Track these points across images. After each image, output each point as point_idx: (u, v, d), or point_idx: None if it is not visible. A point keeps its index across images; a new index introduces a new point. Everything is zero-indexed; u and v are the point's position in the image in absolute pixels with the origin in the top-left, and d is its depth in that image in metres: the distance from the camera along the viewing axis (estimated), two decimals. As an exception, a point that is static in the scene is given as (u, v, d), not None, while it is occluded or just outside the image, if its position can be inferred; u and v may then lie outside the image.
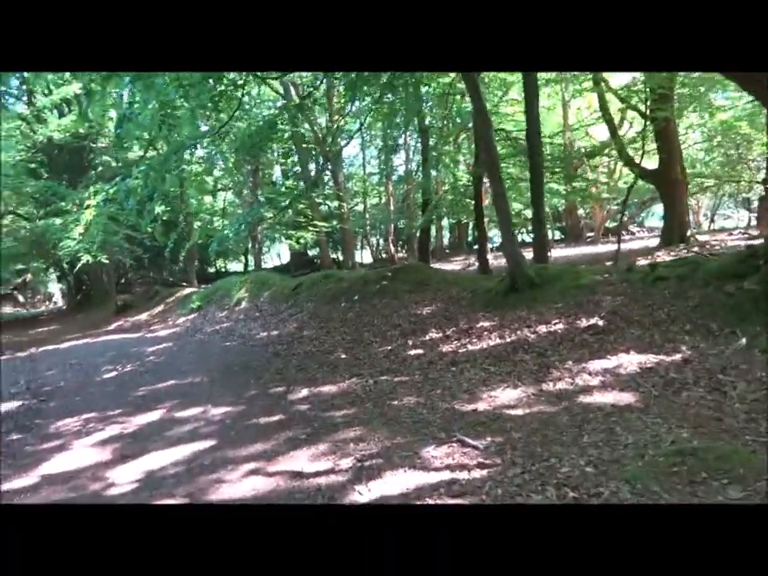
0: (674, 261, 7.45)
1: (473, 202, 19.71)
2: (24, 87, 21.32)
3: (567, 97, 20.00)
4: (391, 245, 25.44)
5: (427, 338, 7.11)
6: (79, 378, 8.70)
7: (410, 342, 7.06)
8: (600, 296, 6.46)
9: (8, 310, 34.59)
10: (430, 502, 3.03)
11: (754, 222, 20.70)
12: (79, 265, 15.23)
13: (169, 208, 13.74)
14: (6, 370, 10.60)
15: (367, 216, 26.96)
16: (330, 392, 5.64)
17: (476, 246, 31.67)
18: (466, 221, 26.48)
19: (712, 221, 21.86)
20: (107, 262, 16.73)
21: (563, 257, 17.07)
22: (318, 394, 5.62)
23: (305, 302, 10.99)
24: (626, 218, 28.78)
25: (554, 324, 6.21)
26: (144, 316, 17.39)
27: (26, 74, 18.02)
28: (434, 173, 19.68)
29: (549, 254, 12.09)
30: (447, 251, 29.47)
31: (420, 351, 6.60)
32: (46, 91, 20.05)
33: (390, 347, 7.08)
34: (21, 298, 35.38)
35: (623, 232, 26.51)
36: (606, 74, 15.72)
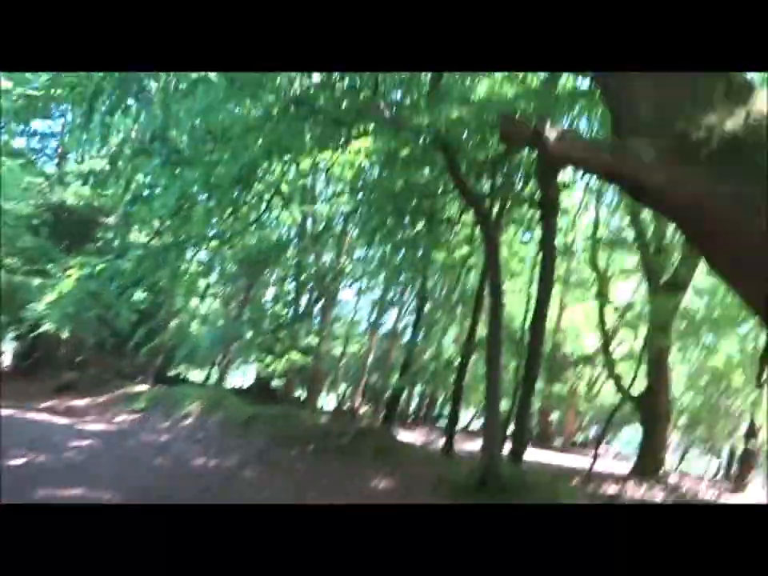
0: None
1: (453, 376, 19.21)
2: (59, 150, 21.55)
3: (566, 300, 20.16)
4: (359, 397, 24.37)
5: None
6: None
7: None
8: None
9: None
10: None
11: (722, 472, 20.01)
12: (38, 331, 14.15)
13: (149, 298, 12.93)
14: None
15: (342, 362, 26.17)
16: None
17: (439, 422, 30.59)
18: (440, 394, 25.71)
19: (681, 460, 21.19)
20: (67, 335, 15.60)
21: (532, 459, 16.09)
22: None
23: (255, 437, 9.88)
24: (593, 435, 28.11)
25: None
26: (84, 402, 15.93)
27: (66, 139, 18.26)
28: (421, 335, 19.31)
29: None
30: (412, 418, 28.29)
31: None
32: (79, 159, 20.14)
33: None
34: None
35: (589, 449, 25.72)
36: (610, 290, 15.91)
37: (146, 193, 7.42)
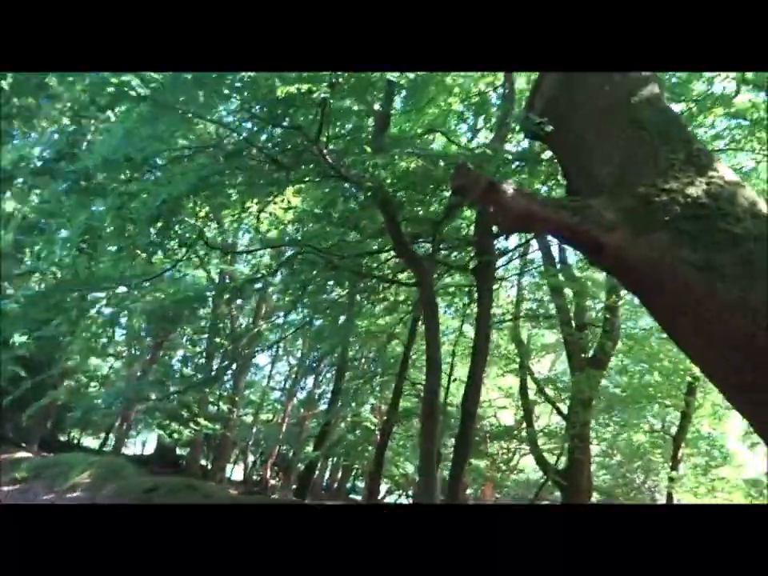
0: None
1: (370, 449, 18.63)
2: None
3: (488, 374, 20.27)
4: (269, 468, 23.18)
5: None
6: None
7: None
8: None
9: None
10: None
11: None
12: None
13: (37, 350, 11.55)
14: None
15: (254, 430, 24.99)
16: None
17: (351, 494, 29.54)
18: (357, 466, 24.93)
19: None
20: None
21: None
22: None
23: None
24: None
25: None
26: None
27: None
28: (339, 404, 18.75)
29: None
30: (323, 491, 27.20)
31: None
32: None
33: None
34: None
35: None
36: (533, 362, 16.14)
37: (41, 222, 6.62)
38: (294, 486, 21.45)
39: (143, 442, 32.00)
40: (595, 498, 15.30)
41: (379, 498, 22.10)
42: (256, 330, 20.41)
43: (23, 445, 17.99)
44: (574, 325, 13.03)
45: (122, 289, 8.72)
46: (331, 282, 12.08)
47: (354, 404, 20.75)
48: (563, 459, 13.33)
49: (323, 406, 23.72)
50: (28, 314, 6.88)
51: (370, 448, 18.41)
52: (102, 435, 28.22)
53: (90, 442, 30.80)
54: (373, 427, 19.27)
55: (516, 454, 20.81)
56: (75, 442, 28.74)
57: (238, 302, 20.84)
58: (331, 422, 18.19)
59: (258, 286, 15.62)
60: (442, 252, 10.80)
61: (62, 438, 28.50)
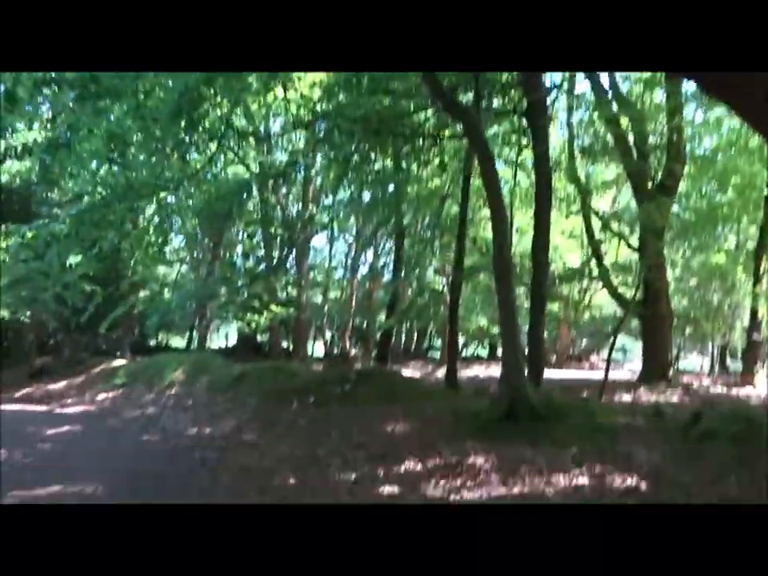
0: (708, 411, 6.13)
1: (441, 309, 18.70)
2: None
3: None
4: (347, 341, 23.84)
5: (402, 469, 5.45)
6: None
7: (381, 472, 5.38)
8: (629, 446, 5.02)
9: None
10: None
11: (716, 369, 20.08)
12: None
13: (100, 266, 11.57)
14: None
15: (326, 308, 25.53)
16: None
17: (430, 354, 30.39)
18: (431, 327, 25.37)
19: (675, 360, 21.25)
20: (28, 321, 14.56)
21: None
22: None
23: (247, 397, 9.20)
24: (582, 349, 28.15)
25: (576, 476, 4.69)
26: (61, 385, 15.06)
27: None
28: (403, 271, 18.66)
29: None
30: (403, 353, 27.97)
31: (395, 490, 4.92)
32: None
33: (353, 475, 5.37)
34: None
35: (584, 362, 25.74)
36: (593, 200, 15.34)
37: (64, 134, 6.17)
38: (374, 353, 22.13)
39: (225, 335, 33.53)
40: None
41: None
42: (307, 214, 20.13)
43: (117, 354, 18.99)
44: (635, 154, 12.02)
45: (164, 193, 8.43)
46: (373, 153, 11.41)
47: (417, 270, 20.66)
48: (640, 291, 12.91)
49: (388, 276, 23.84)
50: (79, 233, 6.69)
51: (442, 308, 18.46)
52: (187, 334, 29.58)
53: (178, 342, 32.52)
54: (440, 288, 19.23)
55: (588, 293, 20.52)
56: (164, 344, 30.38)
57: (284, 190, 20.47)
58: (398, 290, 18.20)
59: (301, 169, 15.13)
60: (486, 100, 9.89)
61: (152, 343, 30.16)
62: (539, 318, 8.97)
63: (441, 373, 18.68)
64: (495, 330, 23.35)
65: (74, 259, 7.43)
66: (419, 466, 5.46)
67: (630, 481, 4.42)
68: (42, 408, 11.54)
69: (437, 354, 29.75)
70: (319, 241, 28.22)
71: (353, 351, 24.79)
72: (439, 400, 7.32)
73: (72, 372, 16.24)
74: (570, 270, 17.72)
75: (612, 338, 12.12)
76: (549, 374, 17.84)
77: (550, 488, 4.54)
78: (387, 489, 4.94)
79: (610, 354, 11.24)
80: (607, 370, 10.29)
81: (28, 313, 13.60)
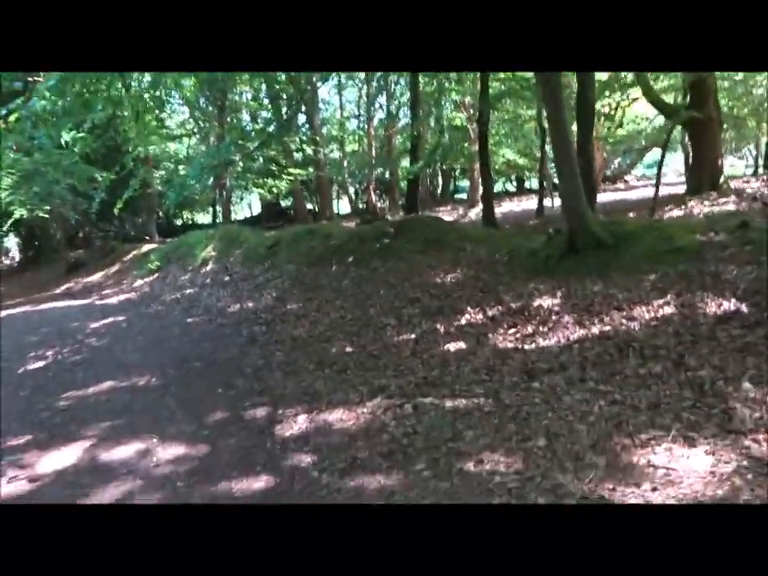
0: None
1: (466, 146, 17.58)
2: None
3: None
4: (372, 194, 23.06)
5: (463, 320, 5.03)
6: (-7, 369, 6.49)
7: (441, 327, 4.97)
8: (717, 265, 4.44)
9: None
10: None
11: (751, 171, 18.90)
12: (10, 220, 12.70)
13: (99, 144, 10.67)
14: None
15: (345, 163, 24.48)
16: (344, 426, 3.50)
17: (456, 197, 29.49)
18: (457, 167, 24.29)
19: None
20: (47, 216, 14.10)
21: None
22: (325, 431, 3.49)
23: (285, 264, 8.79)
24: (620, 167, 26.86)
25: (661, 306, 4.18)
26: (97, 277, 14.96)
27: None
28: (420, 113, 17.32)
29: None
30: (429, 201, 27.22)
31: (462, 345, 4.51)
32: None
33: (413, 335, 4.98)
34: (-29, 254, 32.15)
35: (618, 182, 24.61)
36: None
37: None
38: (401, 203, 21.38)
39: (248, 205, 32.99)
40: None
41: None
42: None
43: (146, 238, 18.72)
44: None
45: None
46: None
47: (434, 108, 19.23)
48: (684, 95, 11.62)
49: (405, 120, 22.40)
50: (67, 110, 5.87)
51: (466, 145, 17.35)
52: (210, 210, 29.10)
53: (203, 218, 32.16)
54: (463, 124, 17.95)
55: (619, 108, 18.97)
56: (190, 223, 30.08)
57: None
58: (419, 131, 17.01)
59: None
60: None
61: (178, 223, 29.88)
62: (588, 138, 8.05)
63: (473, 214, 18.05)
64: (522, 162, 22.24)
65: (68, 137, 6.60)
66: (481, 316, 5.03)
67: (727, 304, 3.89)
68: (83, 301, 11.42)
69: (463, 196, 28.92)
70: (326, 93, 26.43)
71: (379, 204, 24.09)
72: (492, 243, 6.75)
73: (105, 262, 16.09)
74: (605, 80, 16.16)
75: (662, 149, 11.11)
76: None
77: (633, 323, 4.06)
78: (452, 345, 4.54)
79: (660, 168, 10.33)
80: (658, 184, 9.52)
81: (47, 208, 13.08)
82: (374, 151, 22.61)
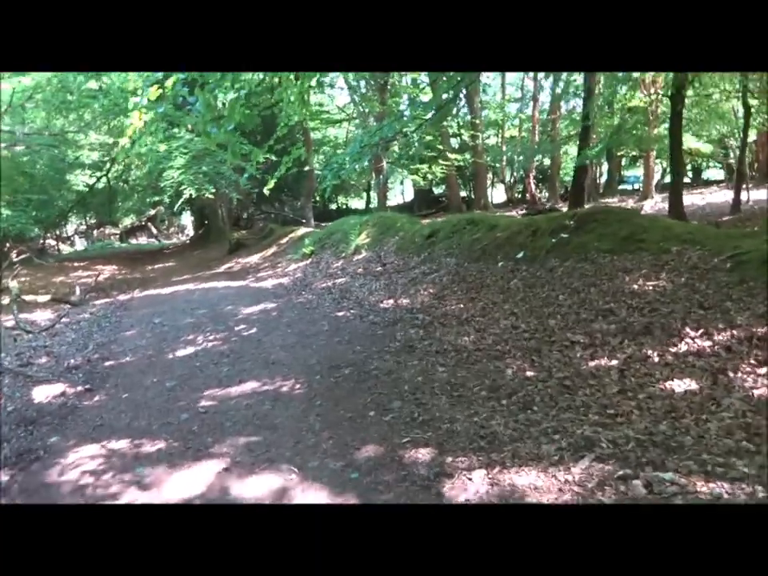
0: None
1: (646, 130, 15.50)
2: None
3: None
4: (532, 183, 21.48)
5: (683, 346, 3.79)
6: (149, 351, 6.33)
7: (653, 354, 3.79)
8: None
9: (143, 240, 34.63)
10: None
11: None
12: (181, 200, 13.10)
13: (258, 120, 10.41)
14: (89, 324, 8.63)
15: (504, 149, 23.08)
16: (541, 499, 2.47)
17: (635, 182, 26.82)
18: (627, 154, 21.96)
19: None
20: (212, 196, 14.45)
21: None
22: (513, 500, 2.54)
23: (444, 257, 7.91)
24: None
25: None
26: (255, 258, 15.17)
27: None
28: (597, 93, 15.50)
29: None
30: (594, 192, 24.97)
31: (692, 385, 3.30)
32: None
33: (613, 360, 3.85)
34: (153, 230, 35.22)
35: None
36: None
37: None
38: (563, 193, 19.62)
39: (401, 191, 32.70)
40: None
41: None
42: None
43: (303, 221, 18.88)
44: None
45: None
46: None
47: (609, 89, 17.28)
48: None
49: (574, 103, 20.50)
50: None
51: (646, 129, 15.30)
52: (365, 195, 29.15)
53: (358, 204, 32.40)
54: (646, 102, 15.83)
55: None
56: (344, 207, 30.37)
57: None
58: (592, 114, 15.23)
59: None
60: None
61: (333, 207, 30.30)
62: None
63: (648, 206, 15.95)
64: (705, 149, 19.42)
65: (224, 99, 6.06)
66: (708, 343, 3.76)
67: None
68: (240, 283, 11.42)
69: (627, 187, 26.21)
70: (488, 75, 25.07)
71: (538, 194, 22.45)
72: (701, 241, 5.33)
73: (264, 244, 16.34)
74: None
75: None
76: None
77: None
78: (677, 383, 3.35)
79: None
80: None
81: (210, 189, 13.37)
82: (537, 137, 20.99)
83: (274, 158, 13.86)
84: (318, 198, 29.56)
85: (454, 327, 5.32)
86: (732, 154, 21.84)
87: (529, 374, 3.91)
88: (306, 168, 15.69)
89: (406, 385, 4.10)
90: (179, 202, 14.05)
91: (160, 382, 5.14)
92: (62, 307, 10.95)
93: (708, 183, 24.53)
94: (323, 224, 19.09)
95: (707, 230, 5.67)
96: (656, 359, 3.70)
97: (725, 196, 15.45)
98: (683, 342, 3.85)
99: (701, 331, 3.93)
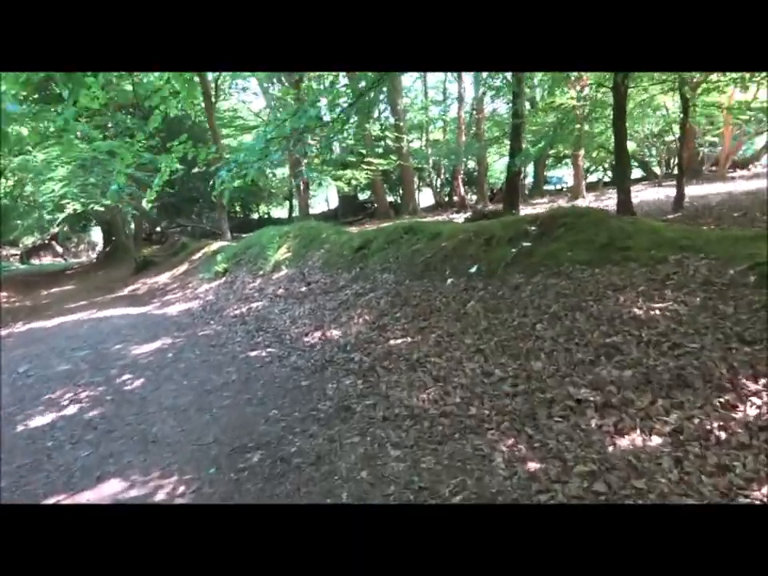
0: None
1: (575, 127, 14.73)
2: None
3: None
4: (461, 185, 20.51)
5: (738, 405, 2.59)
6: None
7: (710, 421, 2.55)
8: None
9: (48, 260, 31.39)
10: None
11: None
12: (61, 217, 11.10)
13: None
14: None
15: (429, 152, 22.04)
16: None
17: (558, 183, 26.43)
18: (552, 155, 21.41)
19: None
20: (102, 209, 12.46)
21: (701, 196, 12.01)
22: None
23: (379, 273, 6.53)
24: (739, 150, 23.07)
25: None
26: (164, 278, 13.25)
27: None
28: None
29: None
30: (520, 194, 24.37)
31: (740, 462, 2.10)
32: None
33: (658, 436, 2.59)
34: (59, 248, 32.03)
35: (749, 167, 20.92)
36: None
37: None
38: (505, 196, 18.69)
39: (326, 199, 31.11)
40: None
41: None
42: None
43: (219, 233, 17.05)
44: None
45: None
46: None
47: (540, 88, 16.55)
48: None
49: (497, 104, 19.76)
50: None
51: (578, 126, 14.52)
52: (287, 204, 27.41)
53: (280, 213, 30.53)
54: (574, 102, 15.10)
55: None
56: (266, 217, 28.47)
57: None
58: (521, 111, 14.33)
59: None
60: None
61: (254, 217, 28.34)
62: None
63: (584, 206, 15.20)
64: (632, 147, 19.07)
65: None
66: (753, 387, 2.56)
67: None
68: (142, 309, 9.60)
69: (550, 188, 25.88)
70: (407, 79, 24.05)
71: (466, 196, 21.53)
72: (701, 247, 4.20)
73: (174, 261, 14.42)
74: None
75: None
76: (719, 189, 13.91)
77: None
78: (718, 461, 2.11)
79: None
80: None
81: (106, 202, 11.43)
82: (464, 137, 20.06)
83: (178, 166, 12.12)
84: (237, 208, 27.58)
85: (403, 374, 3.92)
86: (654, 152, 21.71)
87: (531, 465, 2.55)
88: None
89: (345, 486, 2.66)
90: (63, 219, 12.01)
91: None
92: None
93: (633, 182, 24.54)
94: (244, 235, 17.35)
95: (704, 233, 4.54)
96: (718, 432, 2.45)
97: (657, 193, 14.96)
98: (742, 398, 2.62)
99: (754, 379, 2.72)
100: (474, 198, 22.86)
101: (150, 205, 13.94)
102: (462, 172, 21.14)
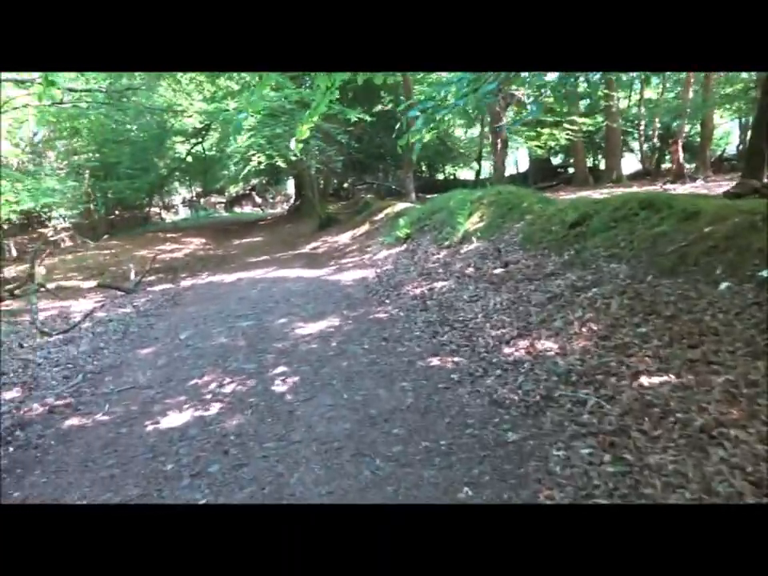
0: None
1: None
2: None
3: None
4: (680, 150, 17.17)
5: None
6: (135, 404, 3.92)
7: None
8: None
9: (248, 209, 33.34)
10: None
11: None
12: (246, 170, 10.65)
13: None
14: (115, 328, 6.46)
15: (643, 110, 18.82)
16: None
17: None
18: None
19: None
20: (284, 165, 11.88)
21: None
22: None
23: (605, 262, 4.78)
24: None
25: None
26: (345, 237, 12.57)
27: None
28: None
29: None
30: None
31: None
32: None
33: None
34: (258, 199, 33.84)
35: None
36: None
37: None
38: (745, 163, 15.27)
39: (515, 162, 28.72)
40: None
41: None
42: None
43: (403, 192, 16.06)
44: None
45: None
46: None
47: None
48: None
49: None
50: None
51: None
52: (475, 165, 25.70)
53: (467, 174, 28.91)
54: None
55: None
56: (452, 178, 27.05)
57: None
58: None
59: None
60: None
61: (439, 178, 27.10)
62: None
63: None
64: None
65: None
66: None
67: None
68: (316, 273, 8.85)
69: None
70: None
71: (687, 165, 18.07)
72: None
73: (357, 221, 13.68)
74: None
75: None
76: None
77: None
78: None
79: None
80: None
81: (290, 155, 10.82)
82: (689, 94, 16.66)
83: (368, 118, 11.06)
84: (423, 168, 26.52)
85: (681, 450, 2.31)
86: None
87: None
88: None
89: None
90: (256, 171, 11.70)
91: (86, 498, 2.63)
92: (114, 294, 8.97)
93: None
94: (428, 196, 16.18)
95: None
96: None
97: None
98: None
99: None
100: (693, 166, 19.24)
101: (337, 161, 13.23)
102: (683, 135, 17.73)
